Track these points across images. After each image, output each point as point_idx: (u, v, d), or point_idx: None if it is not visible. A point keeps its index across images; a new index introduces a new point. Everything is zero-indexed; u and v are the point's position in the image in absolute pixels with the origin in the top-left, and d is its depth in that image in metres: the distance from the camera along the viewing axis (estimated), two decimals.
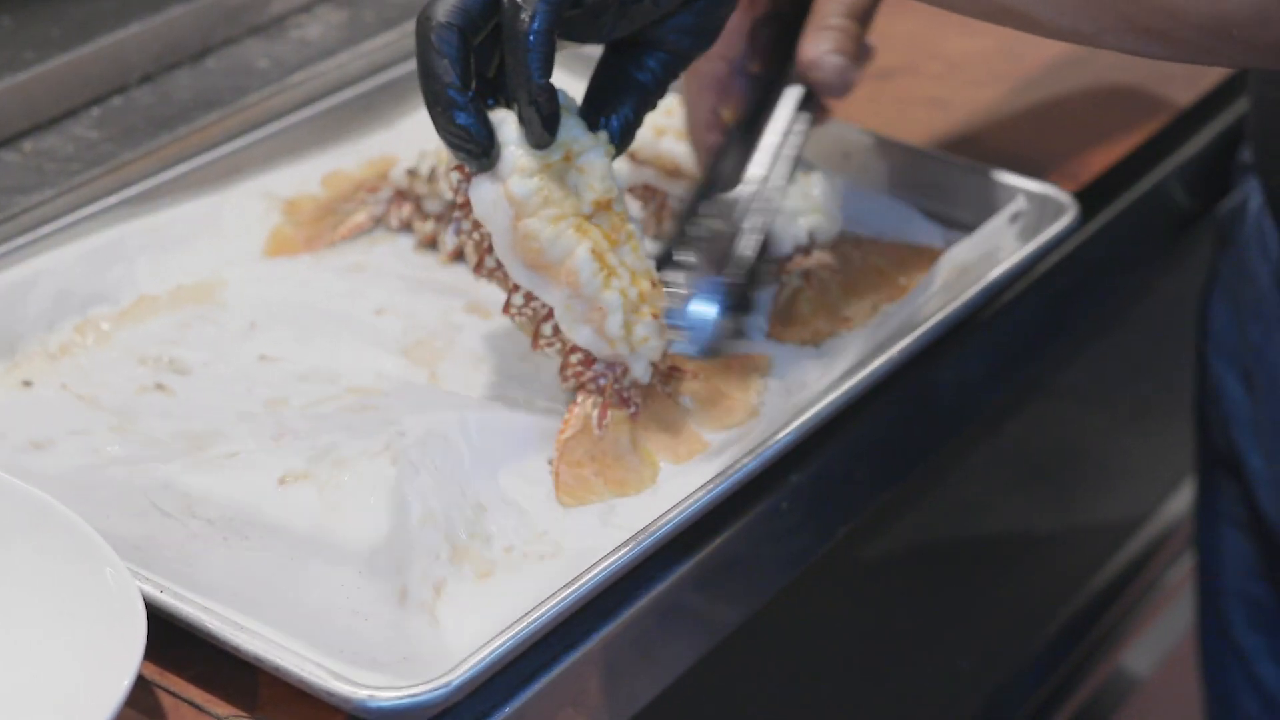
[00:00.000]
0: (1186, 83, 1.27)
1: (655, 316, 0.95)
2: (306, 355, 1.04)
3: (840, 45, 1.04)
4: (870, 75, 1.10)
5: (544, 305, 0.95)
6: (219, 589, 0.86)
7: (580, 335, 0.94)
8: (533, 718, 0.84)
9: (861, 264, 1.10)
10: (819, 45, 1.04)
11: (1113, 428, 1.45)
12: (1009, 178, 1.13)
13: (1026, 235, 1.09)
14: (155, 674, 0.83)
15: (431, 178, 1.12)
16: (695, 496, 0.90)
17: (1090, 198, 1.15)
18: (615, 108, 0.95)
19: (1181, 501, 1.49)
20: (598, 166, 0.93)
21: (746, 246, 0.99)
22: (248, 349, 1.04)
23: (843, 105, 1.09)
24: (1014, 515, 1.34)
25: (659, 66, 0.95)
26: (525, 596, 0.85)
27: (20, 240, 1.06)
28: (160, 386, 1.01)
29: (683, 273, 0.97)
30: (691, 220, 1.02)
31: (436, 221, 1.13)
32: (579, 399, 0.96)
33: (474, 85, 0.89)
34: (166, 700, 0.83)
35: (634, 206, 1.12)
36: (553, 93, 0.90)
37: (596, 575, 0.86)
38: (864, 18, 1.06)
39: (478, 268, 0.97)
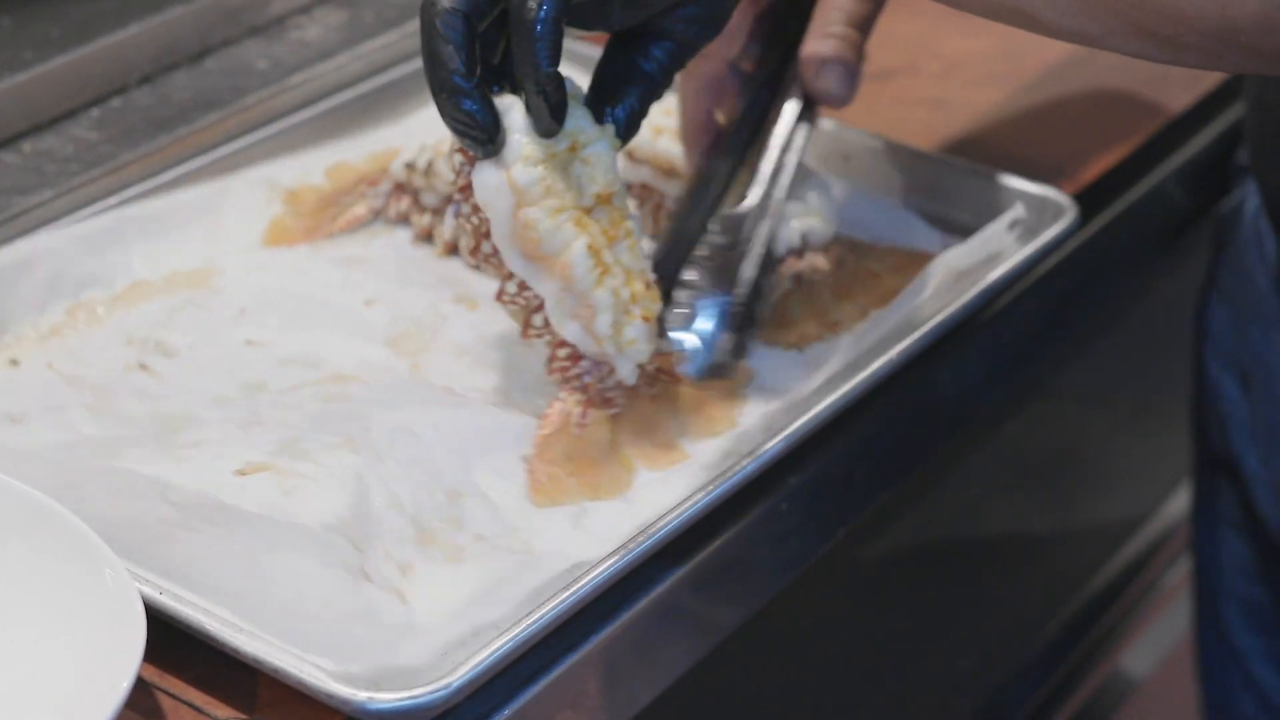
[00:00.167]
0: (1185, 85, 1.27)
1: (646, 320, 0.94)
2: (291, 341, 1.05)
3: (842, 54, 1.04)
4: (869, 76, 1.10)
5: (536, 295, 0.95)
6: (181, 574, 0.86)
7: (568, 330, 0.94)
8: (532, 719, 0.84)
9: (856, 268, 1.10)
10: (821, 53, 1.04)
11: (1112, 429, 1.46)
12: (1008, 179, 1.13)
13: (1025, 237, 1.09)
14: (155, 675, 0.83)
15: (429, 171, 1.13)
16: (694, 498, 0.90)
17: (1089, 199, 1.15)
18: (621, 97, 0.94)
19: (1180, 503, 1.49)
20: (603, 159, 0.92)
21: (750, 265, 0.99)
22: (235, 334, 1.05)
23: (857, 94, 1.09)
24: (1013, 516, 1.34)
25: (665, 56, 0.95)
26: (500, 595, 0.86)
27: (19, 241, 1.06)
28: (144, 367, 1.02)
29: (686, 292, 0.97)
30: (690, 232, 1.01)
31: (433, 215, 1.13)
32: (561, 396, 0.96)
33: (479, 71, 0.88)
34: (166, 702, 0.83)
35: (630, 205, 1.12)
36: (560, 81, 0.89)
37: (596, 577, 0.86)
38: (865, 27, 1.06)
39: (473, 251, 0.97)
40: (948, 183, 1.15)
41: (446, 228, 1.12)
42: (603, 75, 0.95)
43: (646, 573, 0.89)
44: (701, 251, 0.98)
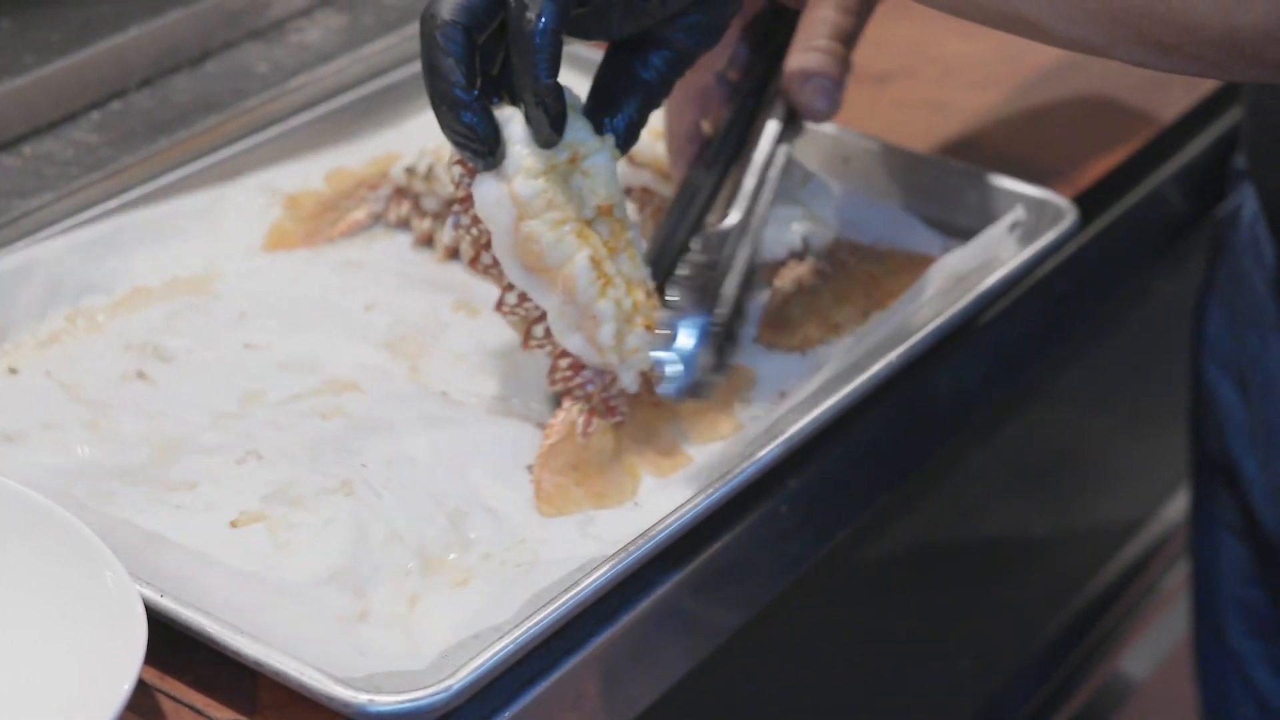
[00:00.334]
0: (1184, 89, 1.27)
1: (649, 328, 0.94)
2: (290, 345, 1.05)
3: (827, 68, 1.04)
4: (868, 79, 1.10)
5: (537, 307, 0.95)
6: None
7: (572, 342, 0.94)
8: None
9: (856, 271, 1.10)
10: (806, 68, 1.04)
11: (1111, 432, 1.46)
12: (1007, 182, 1.13)
13: (1025, 240, 1.09)
14: (156, 678, 0.83)
15: (429, 176, 1.13)
16: (693, 501, 0.90)
17: (1088, 202, 1.15)
18: (620, 107, 0.94)
19: (1179, 505, 1.49)
20: (603, 170, 0.92)
21: (732, 284, 0.99)
22: (234, 338, 1.05)
23: (842, 109, 1.09)
24: (1012, 519, 1.34)
25: (665, 65, 0.94)
26: (504, 601, 0.86)
27: (19, 244, 1.06)
28: (141, 375, 1.02)
29: (666, 312, 0.96)
30: (677, 243, 1.01)
31: (434, 219, 1.13)
32: (565, 405, 0.96)
33: (479, 83, 0.88)
34: (167, 704, 0.83)
35: (630, 209, 1.12)
36: (560, 92, 0.89)
37: (596, 580, 0.86)
38: (850, 41, 1.05)
39: (473, 262, 0.97)
40: (947, 185, 1.15)
41: (447, 236, 1.12)
42: (602, 84, 0.95)
43: (647, 575, 0.89)
44: (682, 270, 0.98)
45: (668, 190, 1.11)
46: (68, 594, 0.82)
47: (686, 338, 0.95)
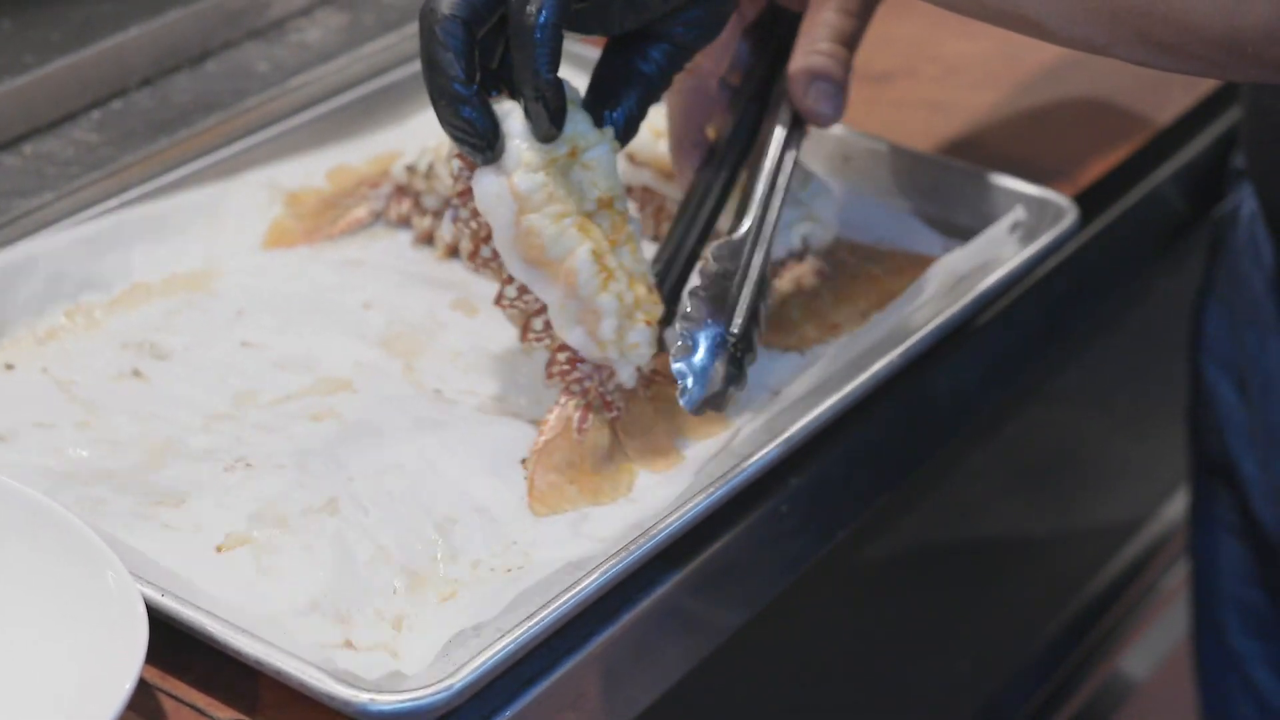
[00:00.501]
0: (1183, 88, 1.27)
1: (649, 324, 0.94)
2: (286, 343, 1.05)
3: (830, 71, 1.04)
4: (869, 78, 1.10)
5: (536, 300, 0.95)
6: None
7: (572, 336, 0.94)
8: None
9: (856, 271, 1.10)
10: (809, 71, 1.03)
11: (1110, 432, 1.46)
12: (1008, 181, 1.13)
13: (1026, 239, 1.09)
14: (157, 677, 0.83)
15: (430, 174, 1.13)
16: (694, 500, 0.90)
17: (1088, 202, 1.15)
18: (620, 100, 0.94)
19: (1179, 505, 1.50)
20: (603, 163, 0.92)
21: (746, 294, 0.98)
22: (231, 335, 1.05)
23: (845, 112, 1.09)
24: (1012, 519, 1.34)
25: (663, 58, 0.94)
26: (489, 613, 0.85)
27: (20, 244, 1.06)
28: (137, 373, 1.02)
29: (682, 323, 0.96)
30: (688, 249, 1.01)
31: (434, 217, 1.13)
32: (561, 400, 0.96)
33: (478, 77, 0.88)
34: (168, 704, 0.83)
35: (630, 208, 1.12)
36: (560, 87, 0.89)
37: (596, 579, 0.86)
38: (852, 43, 1.05)
39: (471, 256, 0.97)
40: (948, 185, 1.15)
41: (445, 230, 1.12)
42: (601, 78, 0.95)
43: (647, 575, 0.89)
44: (697, 281, 0.98)
45: (669, 189, 1.11)
46: (69, 593, 0.82)
47: (703, 350, 0.95)
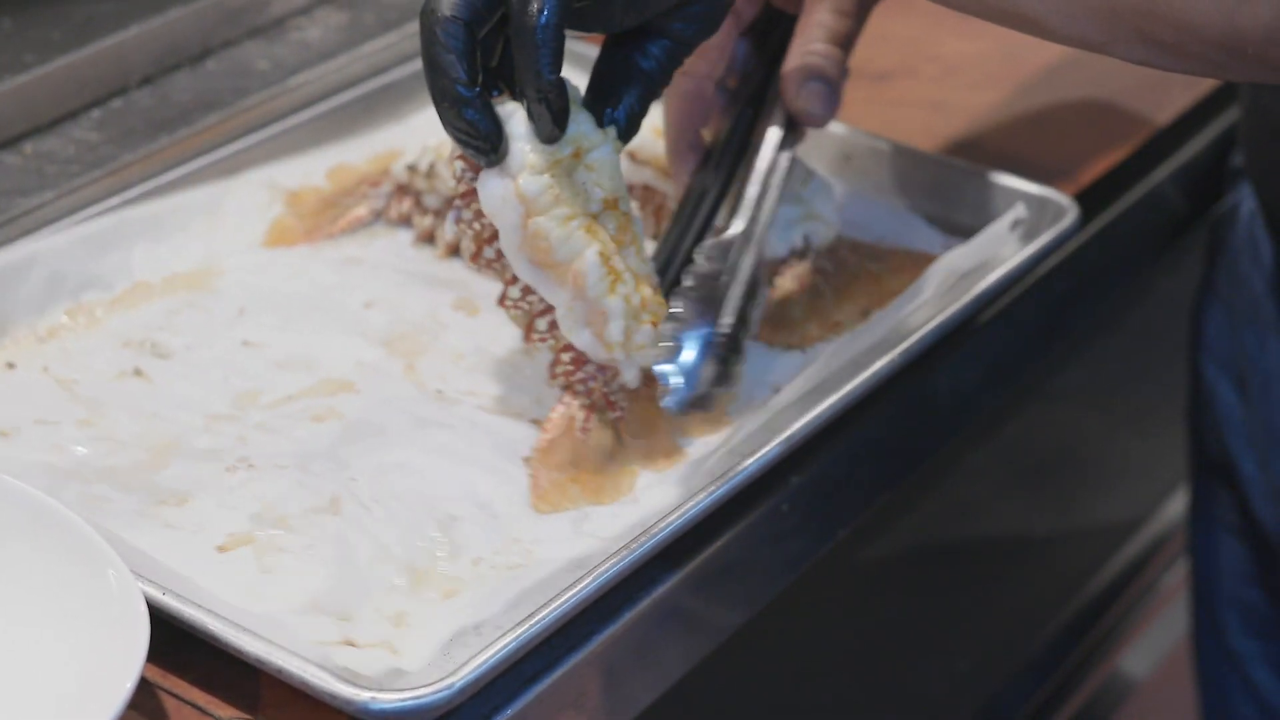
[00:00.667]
0: (1183, 87, 1.27)
1: (655, 325, 0.94)
2: (287, 342, 1.05)
3: (824, 71, 1.03)
4: (868, 78, 1.10)
5: (540, 300, 0.94)
6: None
7: (580, 338, 0.94)
8: (534, 719, 0.84)
9: (857, 269, 1.10)
10: (802, 71, 1.03)
11: (1111, 430, 1.46)
12: (1008, 180, 1.13)
13: (1026, 238, 1.09)
14: (158, 676, 0.83)
15: (431, 173, 1.13)
16: (695, 499, 0.90)
17: (1088, 201, 1.15)
18: (620, 98, 0.94)
19: (1179, 504, 1.50)
20: (607, 164, 0.92)
21: (735, 295, 0.98)
22: (232, 335, 1.05)
23: (841, 108, 1.09)
24: (1012, 518, 1.34)
25: (663, 54, 0.94)
26: (491, 611, 0.85)
27: (21, 243, 1.06)
28: (138, 372, 1.02)
29: (671, 324, 0.96)
30: (684, 252, 1.01)
31: (435, 216, 1.13)
32: (564, 399, 0.96)
33: (480, 78, 0.88)
34: (169, 702, 0.83)
35: (633, 208, 1.12)
36: (563, 88, 0.89)
37: (597, 578, 0.86)
38: (847, 44, 1.05)
39: (474, 257, 0.96)
40: (948, 184, 1.15)
41: (448, 231, 1.12)
42: (601, 76, 0.95)
43: (648, 573, 0.89)
44: (687, 281, 0.98)
45: (670, 188, 1.11)
46: (70, 592, 0.82)
47: (690, 350, 0.95)
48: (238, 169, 1.15)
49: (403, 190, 1.14)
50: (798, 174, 1.06)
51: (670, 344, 0.95)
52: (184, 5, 1.22)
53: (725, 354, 0.96)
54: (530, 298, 0.95)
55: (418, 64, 1.23)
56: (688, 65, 1.01)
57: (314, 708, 0.81)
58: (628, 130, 0.94)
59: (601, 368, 0.95)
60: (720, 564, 0.92)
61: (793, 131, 1.05)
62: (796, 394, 0.97)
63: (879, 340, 1.01)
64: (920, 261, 1.09)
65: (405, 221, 1.15)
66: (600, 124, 0.93)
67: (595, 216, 0.92)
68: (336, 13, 1.28)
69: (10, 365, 1.02)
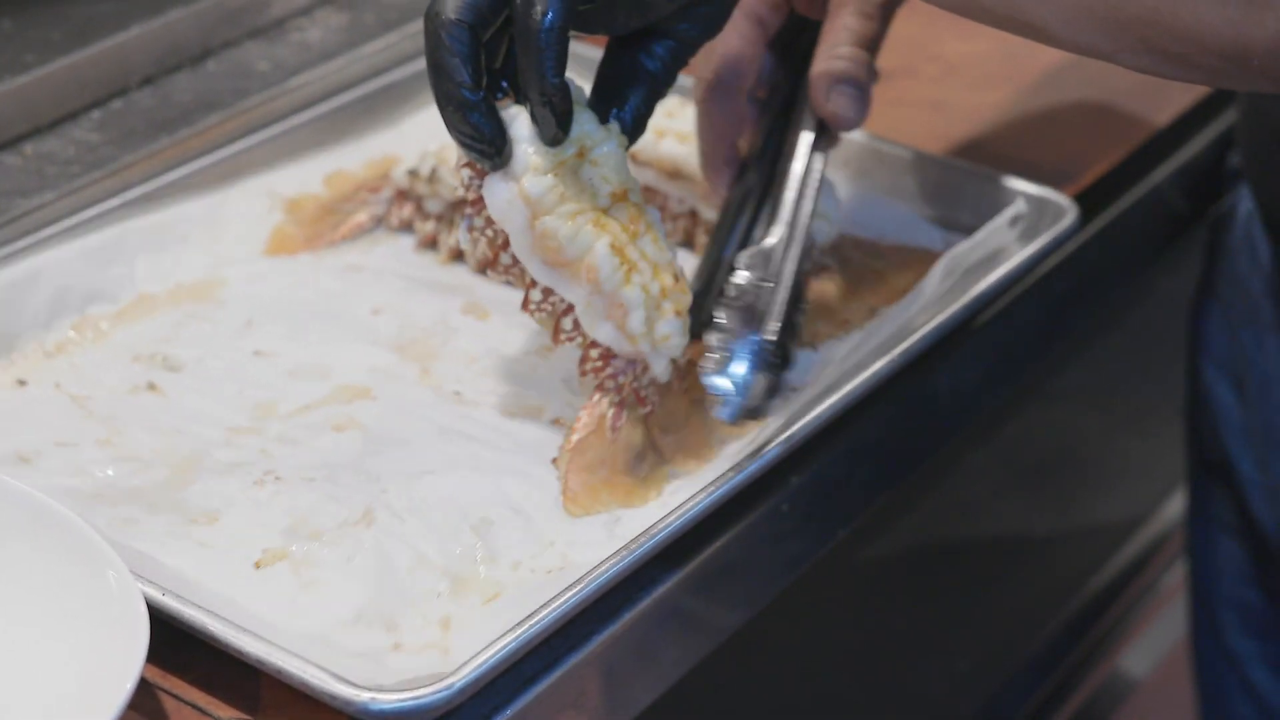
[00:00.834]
0: (1182, 89, 1.27)
1: (679, 315, 0.93)
2: (299, 351, 1.04)
3: (852, 74, 1.03)
4: None
5: (563, 300, 0.94)
6: None
7: (602, 333, 0.93)
8: (534, 719, 0.84)
9: (861, 267, 1.10)
10: (830, 75, 1.03)
11: (1110, 430, 1.46)
12: (1009, 180, 1.13)
13: (1026, 238, 1.09)
14: (158, 676, 0.83)
15: (432, 178, 1.12)
16: (695, 500, 0.90)
17: (1087, 201, 1.15)
18: (626, 98, 0.94)
19: (1178, 504, 1.50)
20: (612, 159, 0.92)
21: (780, 303, 0.98)
22: (242, 345, 1.05)
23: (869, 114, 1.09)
24: (1012, 518, 1.34)
25: (668, 55, 0.94)
26: (536, 595, 0.85)
27: (20, 243, 1.06)
28: (152, 386, 1.02)
29: (718, 335, 0.96)
30: (723, 272, 1.00)
31: (437, 221, 1.13)
32: (594, 398, 0.96)
33: (485, 82, 0.88)
34: (169, 703, 0.83)
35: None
36: (567, 91, 0.89)
37: (597, 579, 0.86)
38: (873, 46, 1.05)
39: (492, 264, 0.96)
40: (948, 183, 1.15)
41: (460, 240, 1.11)
42: (605, 76, 0.94)
43: (648, 574, 0.89)
44: (730, 292, 0.98)
45: (672, 189, 1.11)
46: (70, 593, 0.82)
47: (740, 361, 0.95)
48: (237, 173, 1.14)
49: (403, 196, 1.14)
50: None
51: (719, 355, 0.95)
52: (184, 6, 1.22)
53: (775, 362, 0.96)
54: (552, 299, 0.94)
55: (418, 65, 1.23)
56: (720, 80, 1.01)
57: (314, 708, 0.81)
58: (634, 131, 0.94)
59: (631, 362, 0.95)
60: (720, 564, 0.92)
61: (824, 135, 1.05)
62: (823, 390, 0.97)
63: (893, 336, 1.00)
64: (922, 258, 1.09)
65: (406, 227, 1.15)
66: (605, 124, 0.92)
67: (605, 210, 0.92)
68: (337, 14, 1.28)
69: (21, 382, 1.02)
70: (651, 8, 0.91)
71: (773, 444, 0.93)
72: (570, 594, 0.85)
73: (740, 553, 0.93)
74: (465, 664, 0.81)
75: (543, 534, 0.92)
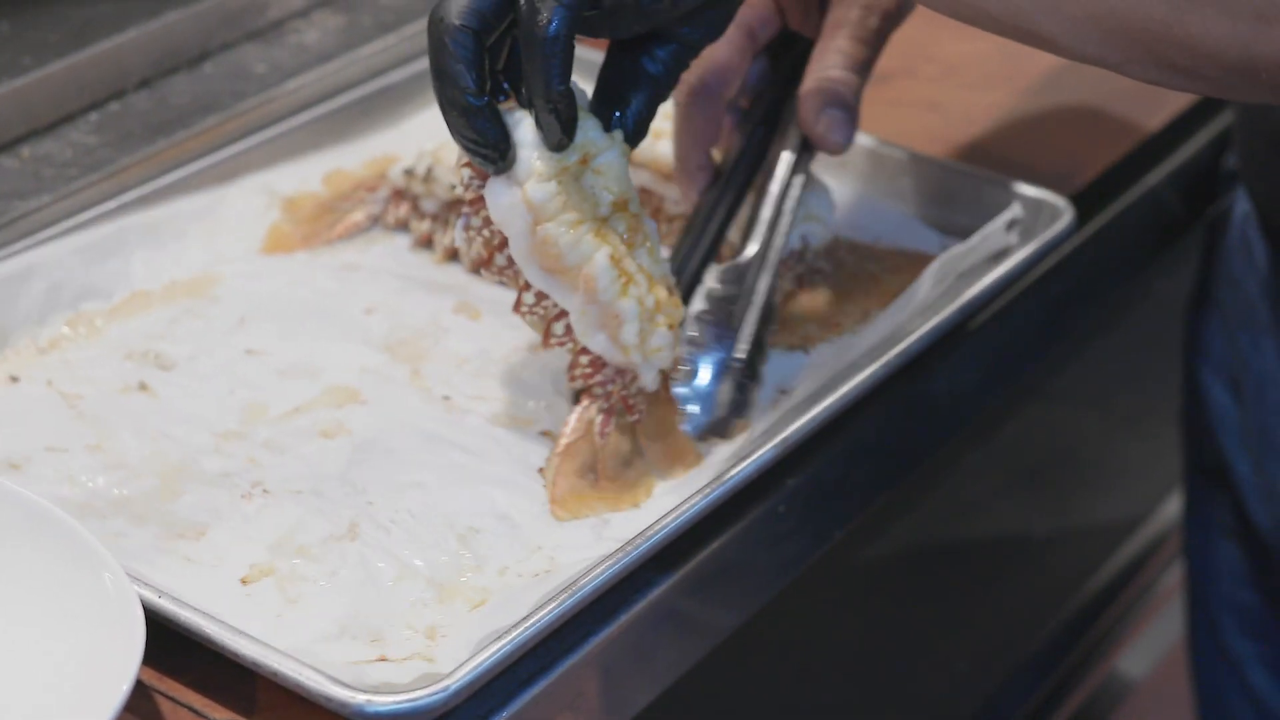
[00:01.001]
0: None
1: (671, 328, 0.94)
2: (290, 350, 1.05)
3: (841, 98, 1.03)
4: None
5: (555, 305, 0.94)
6: None
7: (595, 342, 0.93)
8: None
9: (855, 269, 1.10)
10: (821, 99, 1.03)
11: (1108, 431, 1.46)
12: (1005, 182, 1.13)
13: (1022, 239, 1.09)
14: (154, 679, 0.83)
15: (428, 177, 1.13)
16: (691, 501, 0.90)
17: (1084, 202, 1.15)
18: (628, 101, 0.93)
19: (1176, 505, 1.49)
20: (614, 167, 0.92)
21: (752, 320, 0.98)
22: (234, 343, 1.05)
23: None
24: (1010, 519, 1.34)
25: (670, 58, 0.94)
26: (519, 616, 0.85)
27: (18, 246, 1.06)
28: (143, 386, 1.02)
29: (687, 348, 0.96)
30: (692, 271, 1.00)
31: (433, 221, 1.13)
32: (583, 403, 0.96)
33: (489, 86, 0.88)
34: (165, 705, 0.83)
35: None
36: (572, 97, 0.88)
37: (593, 580, 0.86)
38: (864, 71, 1.05)
39: (486, 264, 0.96)
40: (945, 185, 1.15)
41: (456, 239, 1.11)
42: (607, 80, 0.94)
43: (644, 575, 0.89)
44: (703, 305, 0.97)
45: (668, 190, 1.11)
46: (66, 595, 0.82)
47: (706, 375, 0.95)
48: (235, 173, 1.15)
49: (400, 195, 1.14)
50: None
51: (687, 368, 0.95)
52: (182, 8, 1.22)
53: (742, 380, 0.96)
54: (545, 303, 0.94)
55: (415, 67, 1.23)
56: (704, 85, 1.01)
57: (309, 711, 0.81)
58: (635, 135, 0.94)
59: (620, 371, 0.95)
60: (717, 565, 0.92)
61: (806, 155, 1.05)
62: (810, 394, 0.97)
63: (883, 340, 1.01)
64: (917, 261, 1.09)
65: (403, 226, 1.15)
66: (607, 128, 0.92)
67: (604, 220, 0.92)
68: (334, 16, 1.28)
69: (13, 379, 1.02)
70: (656, 13, 0.91)
71: (769, 445, 0.93)
72: (566, 595, 0.85)
73: (737, 554, 0.93)
74: (461, 666, 0.81)
75: (529, 540, 0.92)
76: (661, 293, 0.93)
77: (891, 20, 1.07)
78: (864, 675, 1.22)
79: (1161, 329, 1.40)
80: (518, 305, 0.95)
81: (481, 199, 0.92)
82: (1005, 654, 1.38)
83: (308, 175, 1.16)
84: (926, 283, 1.04)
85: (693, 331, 0.96)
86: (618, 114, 0.93)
